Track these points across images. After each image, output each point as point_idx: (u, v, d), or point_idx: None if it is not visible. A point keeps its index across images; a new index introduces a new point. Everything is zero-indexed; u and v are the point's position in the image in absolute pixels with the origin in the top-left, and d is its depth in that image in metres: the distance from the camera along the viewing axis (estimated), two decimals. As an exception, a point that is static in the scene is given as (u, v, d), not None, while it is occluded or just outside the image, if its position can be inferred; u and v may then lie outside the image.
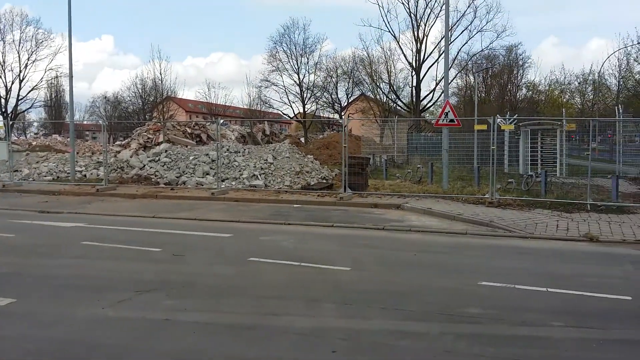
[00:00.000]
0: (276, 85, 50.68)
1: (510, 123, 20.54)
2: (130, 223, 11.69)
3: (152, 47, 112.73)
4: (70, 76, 21.30)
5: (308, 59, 50.34)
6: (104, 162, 19.42)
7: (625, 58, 43.38)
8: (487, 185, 15.22)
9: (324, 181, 19.09)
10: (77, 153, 32.60)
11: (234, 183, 18.41)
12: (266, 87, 50.92)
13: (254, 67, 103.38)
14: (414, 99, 43.15)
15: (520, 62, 52.12)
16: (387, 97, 46.51)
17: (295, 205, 14.53)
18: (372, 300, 5.93)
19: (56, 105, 69.23)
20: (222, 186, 17.32)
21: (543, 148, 23.34)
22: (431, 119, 49.26)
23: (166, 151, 22.29)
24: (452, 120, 15.45)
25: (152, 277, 6.90)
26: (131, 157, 24.10)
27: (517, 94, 53.27)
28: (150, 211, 13.45)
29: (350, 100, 54.54)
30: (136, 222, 11.96)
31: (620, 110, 25.64)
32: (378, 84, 46.21)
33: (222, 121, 19.33)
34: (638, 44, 40.10)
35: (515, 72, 52.32)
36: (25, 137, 64.57)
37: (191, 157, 20.99)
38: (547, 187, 15.25)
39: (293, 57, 50.09)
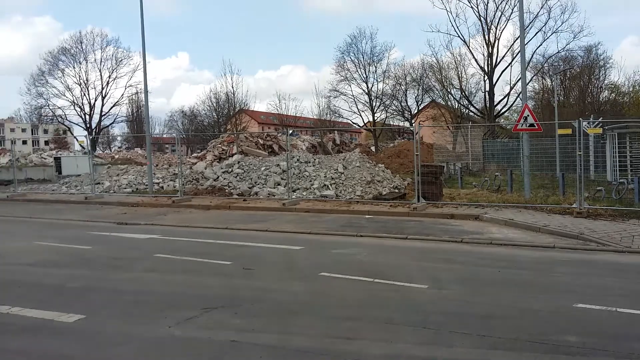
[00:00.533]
0: (345, 95, 50.61)
1: (596, 126, 19.21)
2: (203, 235, 11.72)
3: (223, 61, 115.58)
4: (146, 91, 22.08)
5: (376, 67, 49.95)
6: (179, 174, 19.86)
7: None
8: (573, 194, 14.18)
9: (396, 191, 18.56)
10: (156, 165, 33.82)
11: (304, 193, 18.26)
12: (335, 97, 50.95)
13: (322, 77, 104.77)
14: (487, 104, 41.66)
15: (601, 63, 49.09)
16: (458, 103, 45.23)
17: (367, 216, 14.13)
18: (454, 324, 5.41)
19: (137, 120, 72.51)
20: (293, 197, 17.20)
21: (632, 153, 21.64)
22: (506, 125, 47.39)
23: (239, 162, 22.54)
24: (532, 125, 14.52)
25: (221, 292, 6.72)
26: (205, 168, 24.60)
27: (600, 97, 50.11)
28: (223, 222, 13.48)
29: (420, 108, 53.54)
30: (209, 233, 11.99)
31: None
32: (449, 90, 45.07)
33: (291, 131, 19.27)
34: None
35: (596, 72, 49.33)
36: (110, 150, 68.12)
37: (262, 168, 21.09)
38: (642, 196, 13.97)
39: (361, 66, 49.89)
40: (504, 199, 15.56)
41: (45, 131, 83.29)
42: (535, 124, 14.44)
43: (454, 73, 43.98)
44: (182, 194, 18.44)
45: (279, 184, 19.62)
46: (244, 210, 16.11)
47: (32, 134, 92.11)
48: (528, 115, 14.38)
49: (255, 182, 20.16)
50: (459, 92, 44.17)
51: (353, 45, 49.68)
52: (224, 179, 21.23)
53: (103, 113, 57.29)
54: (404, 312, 5.84)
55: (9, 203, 19.63)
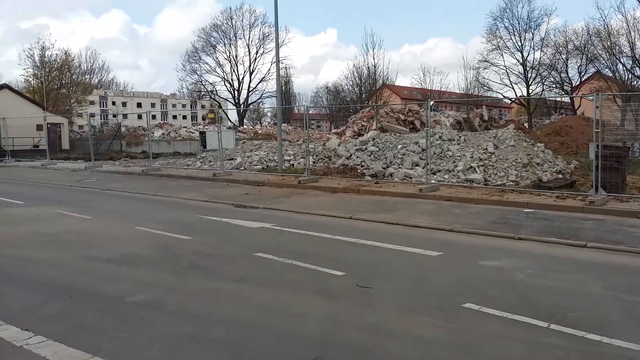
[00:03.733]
0: (496, 66, 46.36)
1: None
2: (322, 226, 9.86)
3: (365, 33, 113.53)
4: (277, 61, 21.52)
5: (533, 34, 44.96)
6: (306, 152, 18.33)
7: None
8: None
9: (561, 176, 15.22)
10: (297, 141, 33.02)
11: (446, 177, 15.69)
12: (485, 69, 46.90)
13: (471, 49, 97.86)
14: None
15: None
16: (630, 73, 38.86)
17: (526, 210, 11.24)
18: None
19: (285, 96, 73.70)
20: (432, 181, 14.73)
21: None
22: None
23: (374, 139, 20.47)
24: None
25: (315, 329, 4.71)
26: (339, 145, 22.95)
27: None
28: (348, 210, 11.55)
29: (582, 79, 47.28)
30: (329, 224, 10.13)
31: None
32: (618, 58, 38.89)
33: (432, 102, 16.72)
34: None
35: None
36: (260, 125, 70.08)
37: (399, 146, 18.80)
38: None
39: (516, 33, 45.26)
40: None
41: (203, 106, 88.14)
42: None
43: (625, 40, 37.84)
44: (309, 174, 16.83)
45: (417, 165, 17.23)
46: (374, 194, 14.05)
47: (191, 109, 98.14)
48: None
49: (390, 162, 17.98)
50: (630, 61, 38.03)
51: (507, 10, 45.16)
52: (357, 157, 19.34)
53: (250, 89, 58.88)
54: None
55: (142, 177, 19.58)
